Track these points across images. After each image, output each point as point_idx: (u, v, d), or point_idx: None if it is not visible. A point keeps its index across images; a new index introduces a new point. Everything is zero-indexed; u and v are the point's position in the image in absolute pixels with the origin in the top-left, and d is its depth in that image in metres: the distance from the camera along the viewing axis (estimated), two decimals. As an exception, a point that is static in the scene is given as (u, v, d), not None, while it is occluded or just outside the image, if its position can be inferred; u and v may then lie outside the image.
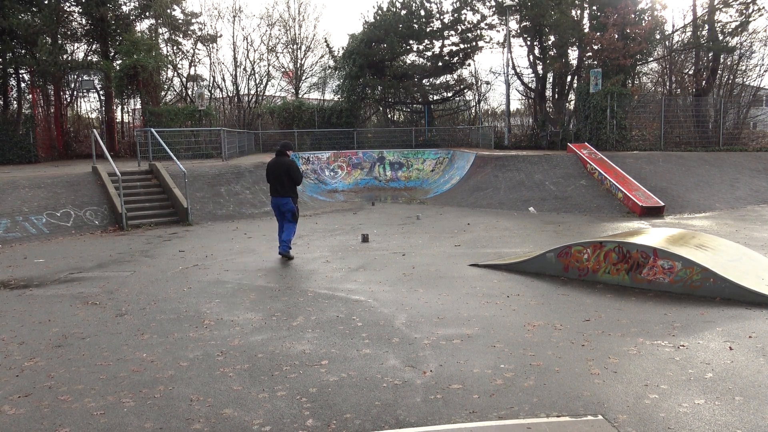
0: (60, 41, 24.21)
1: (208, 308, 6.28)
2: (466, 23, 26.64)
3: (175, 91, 30.03)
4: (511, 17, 24.82)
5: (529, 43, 25.53)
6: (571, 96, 25.16)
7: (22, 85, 24.11)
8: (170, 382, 4.26)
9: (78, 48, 26.77)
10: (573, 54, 24.58)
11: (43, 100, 24.50)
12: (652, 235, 7.65)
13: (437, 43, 27.24)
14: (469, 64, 28.49)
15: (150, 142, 16.36)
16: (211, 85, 30.60)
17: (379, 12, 26.45)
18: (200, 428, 3.56)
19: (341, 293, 6.82)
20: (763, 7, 21.19)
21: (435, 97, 28.97)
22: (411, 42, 27.02)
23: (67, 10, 24.86)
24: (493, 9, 25.71)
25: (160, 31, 26.99)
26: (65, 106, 26.14)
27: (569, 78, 25.15)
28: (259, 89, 30.90)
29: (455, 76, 28.58)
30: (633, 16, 21.45)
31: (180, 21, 27.36)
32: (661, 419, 3.50)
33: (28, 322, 5.91)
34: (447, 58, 27.32)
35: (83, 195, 13.48)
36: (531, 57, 25.61)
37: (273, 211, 9.31)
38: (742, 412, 3.57)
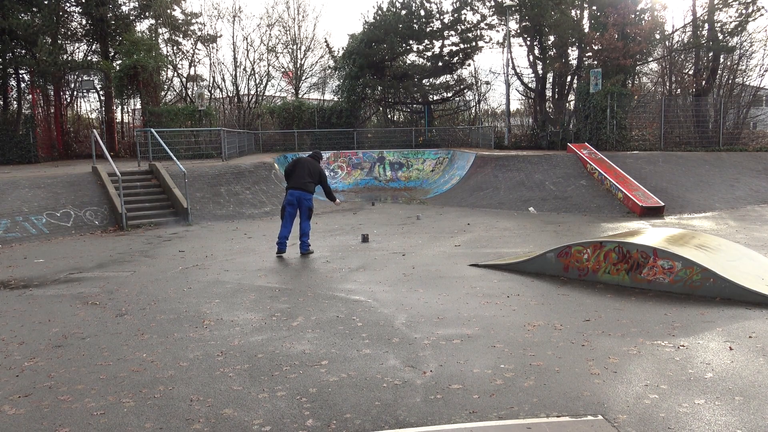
0: (60, 41, 24.23)
1: (208, 308, 6.28)
2: (466, 23, 26.66)
3: (175, 91, 30.07)
4: (511, 17, 24.82)
5: (528, 43, 25.53)
6: (571, 96, 25.16)
7: (22, 85, 24.15)
8: (170, 382, 4.26)
9: (78, 48, 26.83)
10: (573, 54, 24.60)
11: (43, 100, 24.51)
12: (652, 235, 7.65)
13: (437, 43, 27.26)
14: (469, 64, 28.54)
15: (150, 142, 16.37)
16: (211, 85, 30.64)
17: (379, 12, 26.46)
18: (200, 428, 3.56)
19: (341, 293, 6.82)
20: (763, 7, 21.21)
21: (435, 97, 28.97)
22: (411, 42, 27.03)
23: (67, 10, 24.88)
24: (493, 9, 25.71)
25: (160, 31, 27.00)
26: (65, 106, 26.14)
27: (569, 78, 25.15)
28: (259, 89, 30.93)
29: (455, 76, 28.60)
30: (633, 16, 21.46)
31: (180, 21, 27.38)
32: (661, 419, 3.50)
33: (28, 322, 5.91)
34: (447, 58, 27.33)
35: (83, 195, 13.47)
36: (531, 57, 25.62)
37: (286, 207, 9.17)
38: (742, 412, 3.57)
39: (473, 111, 29.77)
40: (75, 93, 26.73)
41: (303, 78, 32.60)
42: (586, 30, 22.71)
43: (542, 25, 24.31)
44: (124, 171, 14.39)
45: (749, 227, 11.46)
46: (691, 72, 23.71)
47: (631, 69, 22.24)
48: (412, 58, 27.92)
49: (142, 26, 27.85)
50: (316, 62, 33.86)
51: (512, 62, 25.48)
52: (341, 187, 21.73)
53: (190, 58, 29.98)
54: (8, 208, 12.22)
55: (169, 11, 26.04)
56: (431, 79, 28.29)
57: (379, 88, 27.29)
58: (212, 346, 5.04)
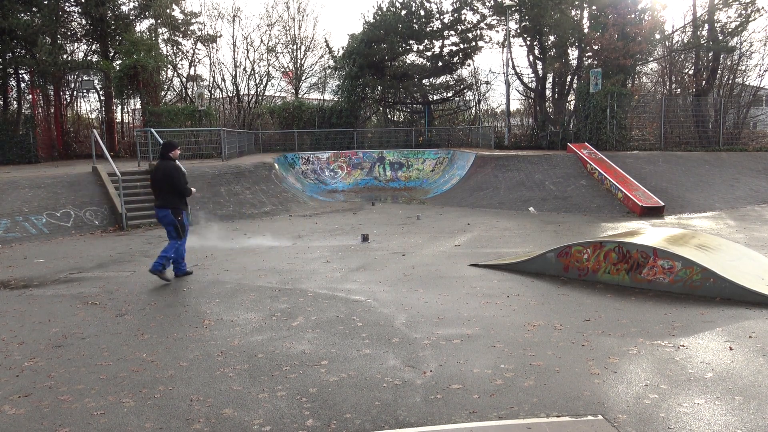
0: (60, 41, 24.22)
1: (208, 308, 6.28)
2: (465, 23, 26.66)
3: (175, 91, 30.07)
4: (511, 17, 24.82)
5: (528, 43, 25.53)
6: (571, 96, 25.16)
7: (22, 85, 24.14)
8: (170, 382, 4.26)
9: (78, 48, 26.83)
10: (573, 54, 24.60)
11: (43, 100, 24.51)
12: (652, 235, 7.65)
13: (437, 43, 27.26)
14: (468, 64, 28.52)
15: (150, 142, 16.36)
16: (210, 85, 30.62)
17: (379, 12, 26.45)
18: (200, 428, 3.56)
19: (341, 293, 6.82)
20: (763, 8, 21.22)
21: (435, 97, 28.97)
22: (411, 42, 27.02)
23: (67, 10, 24.87)
24: (493, 9, 25.71)
25: (159, 31, 27.01)
26: (65, 106, 26.14)
27: (569, 78, 25.15)
28: (259, 89, 30.91)
29: (455, 76, 28.60)
30: (633, 16, 21.46)
31: (180, 21, 27.38)
32: (661, 419, 3.50)
33: (28, 322, 5.91)
34: (447, 58, 27.33)
35: (83, 195, 13.47)
36: (531, 57, 25.63)
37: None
38: (742, 412, 3.57)
39: (473, 111, 29.77)
40: (75, 93, 26.75)
41: (303, 78, 32.59)
42: (586, 30, 22.70)
43: (542, 25, 24.30)
44: (124, 171, 14.37)
45: (749, 227, 11.46)
46: (691, 72, 23.71)
47: (631, 69, 22.24)
48: (412, 58, 27.93)
49: (142, 26, 27.88)
50: (316, 62, 33.84)
51: (512, 62, 25.52)
52: (341, 186, 21.73)
53: (190, 58, 30.00)
54: (8, 208, 12.22)
55: (168, 11, 26.03)
56: (431, 79, 28.28)
57: (379, 88, 27.28)
58: (212, 346, 5.04)
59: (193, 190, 8.07)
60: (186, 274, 7.86)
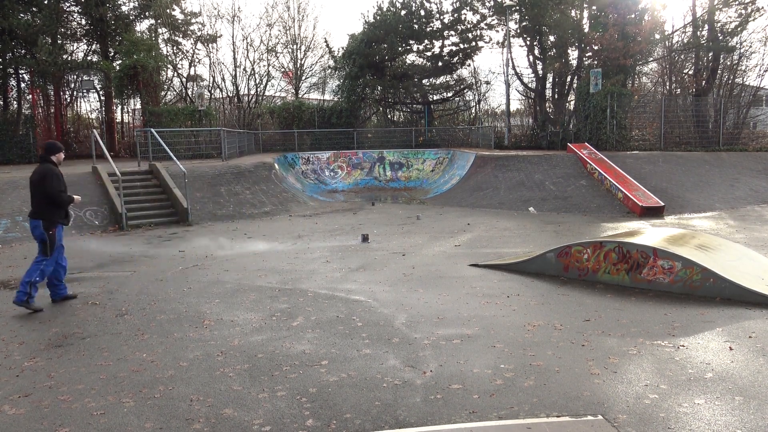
0: (60, 41, 24.22)
1: (208, 308, 6.29)
2: (465, 23, 26.66)
3: (175, 91, 30.05)
4: (511, 17, 24.83)
5: (528, 43, 25.53)
6: (571, 96, 25.16)
7: (22, 85, 24.16)
8: (170, 382, 4.26)
9: (78, 48, 26.83)
10: (573, 54, 24.60)
11: (43, 100, 24.52)
12: (652, 235, 7.65)
13: (437, 43, 27.26)
14: (468, 64, 28.51)
15: (150, 142, 16.37)
16: (210, 85, 30.60)
17: (379, 12, 26.45)
18: (200, 428, 3.56)
19: (341, 293, 6.82)
20: (763, 8, 21.23)
21: (435, 97, 28.97)
22: (411, 42, 27.03)
23: (67, 10, 24.87)
24: (493, 9, 25.72)
25: (159, 31, 27.00)
26: (65, 106, 26.15)
27: (569, 78, 25.14)
28: (259, 89, 30.90)
29: (455, 76, 28.60)
30: (633, 15, 21.46)
31: (180, 21, 27.37)
32: (661, 419, 3.50)
33: (28, 322, 5.91)
34: (447, 58, 27.33)
35: (83, 195, 13.38)
36: (531, 57, 25.63)
37: None
38: (742, 412, 3.57)
39: (473, 111, 29.76)
40: (75, 93, 26.75)
41: (303, 78, 32.57)
42: (586, 30, 22.71)
43: (542, 25, 24.30)
44: (124, 171, 14.38)
45: (749, 227, 11.46)
46: (691, 72, 23.71)
47: (631, 69, 22.24)
48: (412, 58, 27.94)
49: (142, 26, 27.88)
50: (316, 62, 33.79)
51: (512, 62, 25.52)
52: (341, 187, 21.73)
53: (190, 58, 29.97)
54: (8, 208, 12.22)
55: (168, 11, 26.03)
56: (431, 79, 28.28)
57: (379, 88, 27.28)
58: (212, 346, 5.04)
59: (77, 198, 6.73)
60: (67, 299, 6.67)
